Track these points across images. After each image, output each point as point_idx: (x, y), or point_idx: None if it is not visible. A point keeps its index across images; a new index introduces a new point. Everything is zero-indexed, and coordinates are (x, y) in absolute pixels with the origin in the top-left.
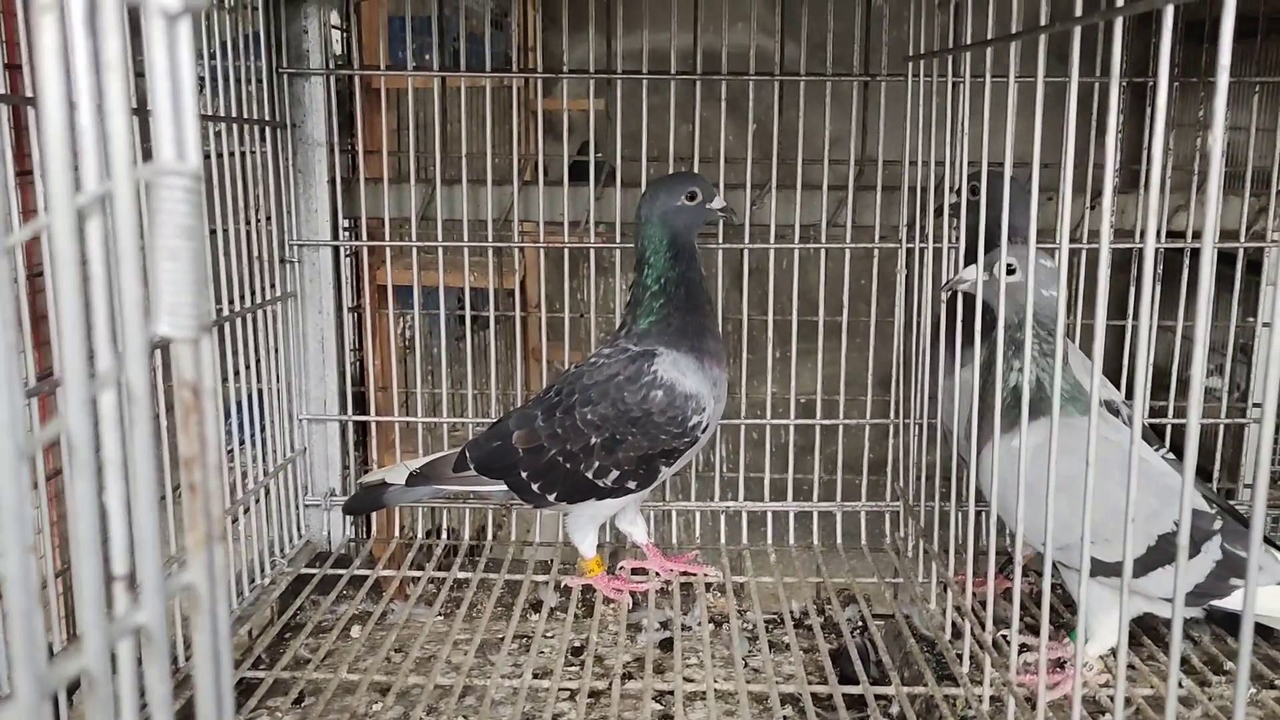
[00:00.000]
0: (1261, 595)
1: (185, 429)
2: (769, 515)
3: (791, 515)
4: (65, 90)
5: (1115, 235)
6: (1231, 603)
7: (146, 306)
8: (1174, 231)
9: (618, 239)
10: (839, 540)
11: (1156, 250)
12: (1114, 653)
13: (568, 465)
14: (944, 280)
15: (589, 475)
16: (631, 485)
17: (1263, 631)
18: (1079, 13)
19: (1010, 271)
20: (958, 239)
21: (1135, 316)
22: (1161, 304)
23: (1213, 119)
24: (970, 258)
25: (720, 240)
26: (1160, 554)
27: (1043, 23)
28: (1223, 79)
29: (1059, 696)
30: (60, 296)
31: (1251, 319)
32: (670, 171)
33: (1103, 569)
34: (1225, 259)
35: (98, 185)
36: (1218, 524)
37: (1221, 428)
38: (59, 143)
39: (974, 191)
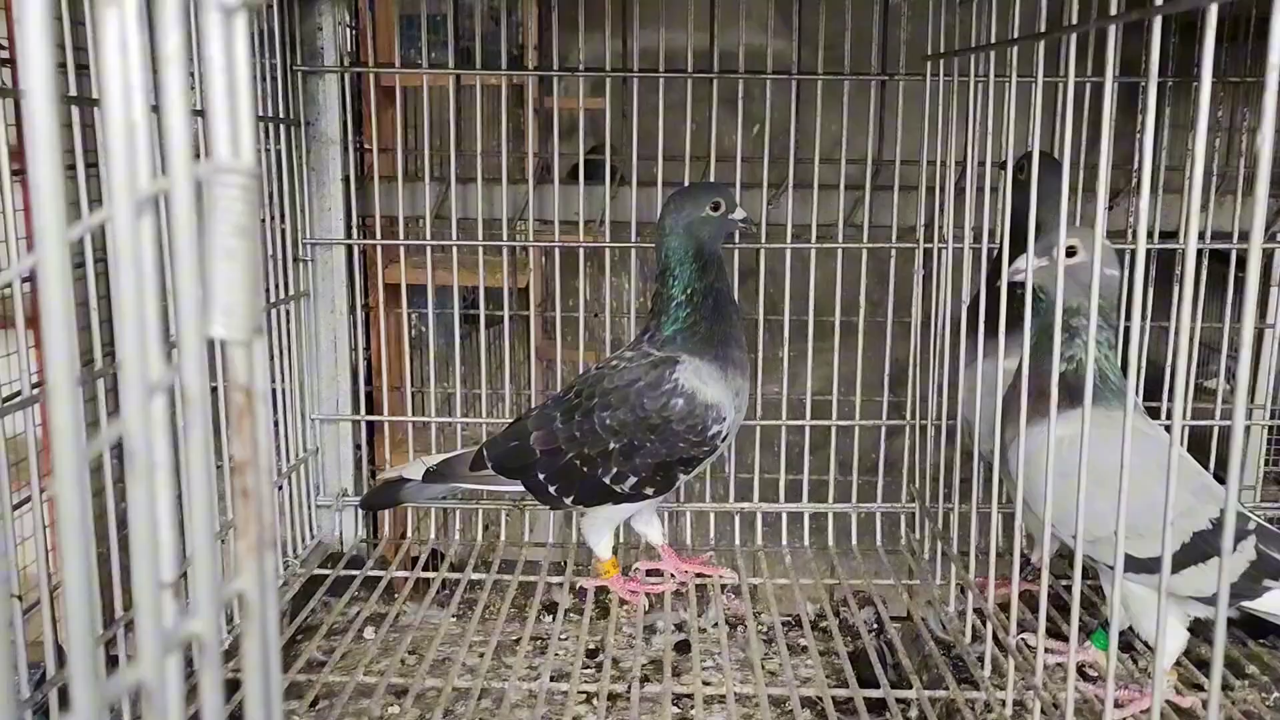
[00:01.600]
0: None
1: (238, 432)
2: (783, 516)
3: (806, 516)
4: (127, 86)
5: (1132, 236)
6: (1262, 604)
7: (202, 307)
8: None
9: (633, 238)
10: (854, 541)
11: (1200, 251)
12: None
13: (585, 469)
14: (980, 275)
15: (606, 480)
16: (649, 491)
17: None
18: (1114, 10)
19: (1071, 253)
20: (977, 237)
21: (1165, 319)
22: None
23: (1261, 119)
24: (1016, 244)
25: (736, 239)
26: (1194, 552)
27: (1073, 21)
28: (1272, 78)
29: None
30: (119, 297)
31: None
32: (686, 172)
33: (1136, 565)
34: (1237, 261)
35: (153, 182)
36: (1251, 524)
37: (1221, 429)
38: (121, 139)
39: (1019, 170)
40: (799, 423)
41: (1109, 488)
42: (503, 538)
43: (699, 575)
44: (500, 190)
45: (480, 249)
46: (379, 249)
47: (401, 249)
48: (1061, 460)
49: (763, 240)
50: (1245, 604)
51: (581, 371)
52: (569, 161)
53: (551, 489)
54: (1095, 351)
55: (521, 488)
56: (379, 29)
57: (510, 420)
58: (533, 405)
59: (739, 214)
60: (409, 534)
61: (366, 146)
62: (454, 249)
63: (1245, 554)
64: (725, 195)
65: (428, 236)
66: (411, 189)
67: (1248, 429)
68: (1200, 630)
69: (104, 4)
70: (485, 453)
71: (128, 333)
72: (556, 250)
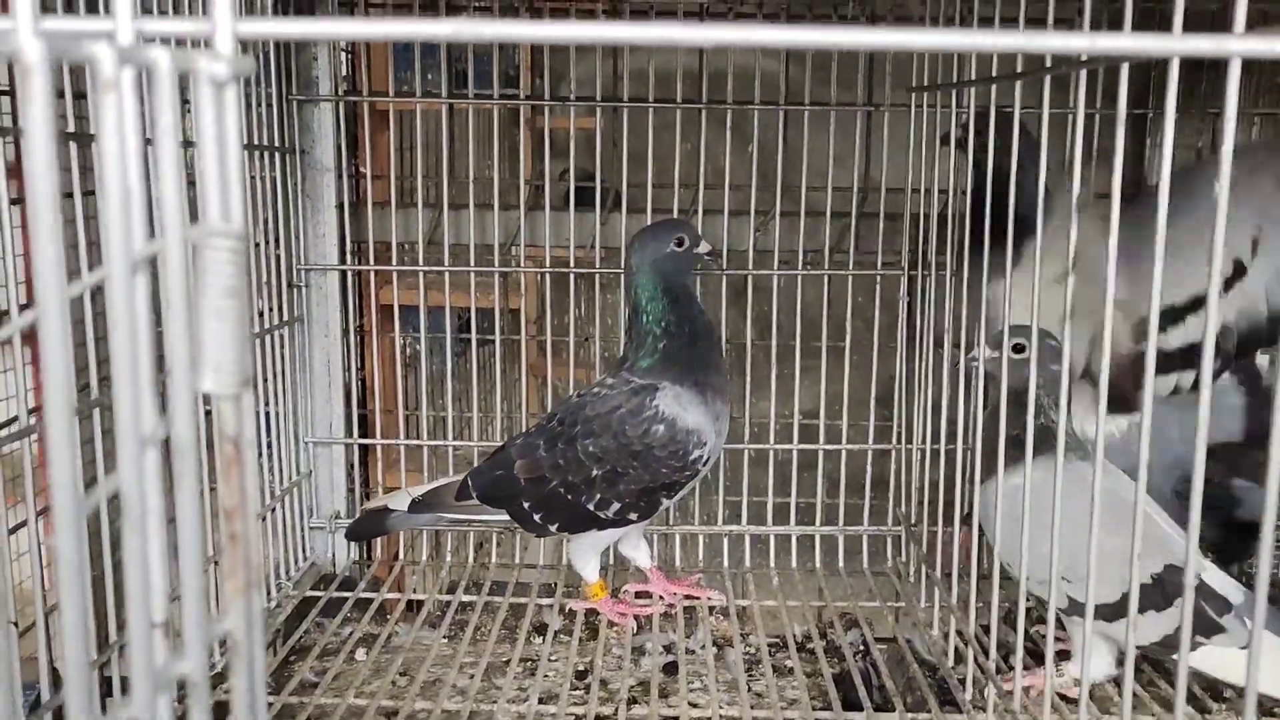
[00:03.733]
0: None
1: (226, 480)
2: (771, 538)
3: (794, 538)
4: (124, 163)
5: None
6: (1195, 660)
7: (192, 362)
8: None
9: (622, 263)
10: (841, 563)
11: None
12: (1118, 682)
13: (569, 496)
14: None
15: (590, 507)
16: (632, 517)
17: None
18: (1084, 57)
19: (1018, 350)
20: (958, 260)
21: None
22: None
23: (1219, 168)
24: (976, 212)
25: (725, 265)
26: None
27: (1048, 64)
28: (1229, 127)
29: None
30: (114, 355)
31: None
32: (675, 199)
33: (1076, 608)
34: None
35: (146, 246)
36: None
37: None
38: (118, 210)
39: (978, 134)
40: (787, 446)
41: (1047, 532)
42: (494, 559)
43: (687, 597)
44: (493, 215)
45: (471, 275)
46: (373, 273)
47: (395, 274)
48: (1010, 506)
49: (750, 266)
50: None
51: (570, 394)
52: (563, 186)
53: (536, 517)
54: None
55: (506, 516)
56: (373, 52)
57: (499, 443)
58: (524, 425)
59: (703, 247)
60: (401, 555)
61: (361, 171)
62: (445, 274)
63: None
64: (687, 231)
65: (421, 261)
66: (405, 214)
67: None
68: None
69: (104, 89)
70: (470, 482)
71: (123, 389)
72: (547, 275)
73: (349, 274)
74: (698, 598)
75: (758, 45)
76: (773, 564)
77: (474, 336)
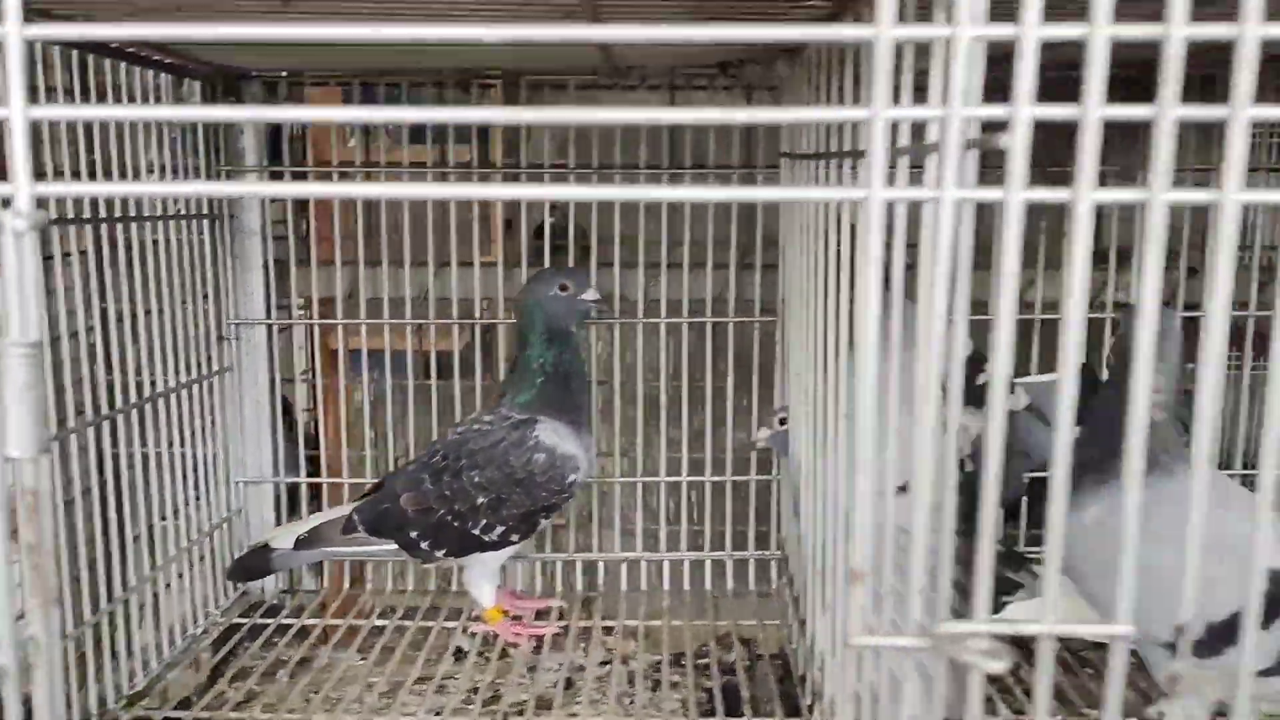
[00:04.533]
0: None
1: (28, 524)
2: (665, 564)
3: (686, 564)
4: None
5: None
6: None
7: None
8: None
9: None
10: (730, 585)
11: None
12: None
13: (456, 524)
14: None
15: (476, 532)
16: (514, 538)
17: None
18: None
19: (783, 421)
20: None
21: None
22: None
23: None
24: None
25: (616, 314)
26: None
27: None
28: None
29: None
30: None
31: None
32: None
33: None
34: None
35: None
36: None
37: None
38: None
39: None
40: (677, 479)
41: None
42: (410, 586)
43: (538, 614)
44: (425, 269)
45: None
46: (317, 326)
47: (339, 327)
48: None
49: (640, 315)
50: None
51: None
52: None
53: (424, 545)
54: None
55: (394, 546)
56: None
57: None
58: None
59: (590, 295)
60: (326, 583)
61: (321, 234)
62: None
63: None
64: (574, 278)
65: (339, 315)
66: (331, 271)
67: None
68: None
69: None
70: (355, 517)
71: None
72: (455, 326)
73: (275, 328)
74: (546, 609)
75: (628, 199)
76: (667, 588)
77: (388, 380)
